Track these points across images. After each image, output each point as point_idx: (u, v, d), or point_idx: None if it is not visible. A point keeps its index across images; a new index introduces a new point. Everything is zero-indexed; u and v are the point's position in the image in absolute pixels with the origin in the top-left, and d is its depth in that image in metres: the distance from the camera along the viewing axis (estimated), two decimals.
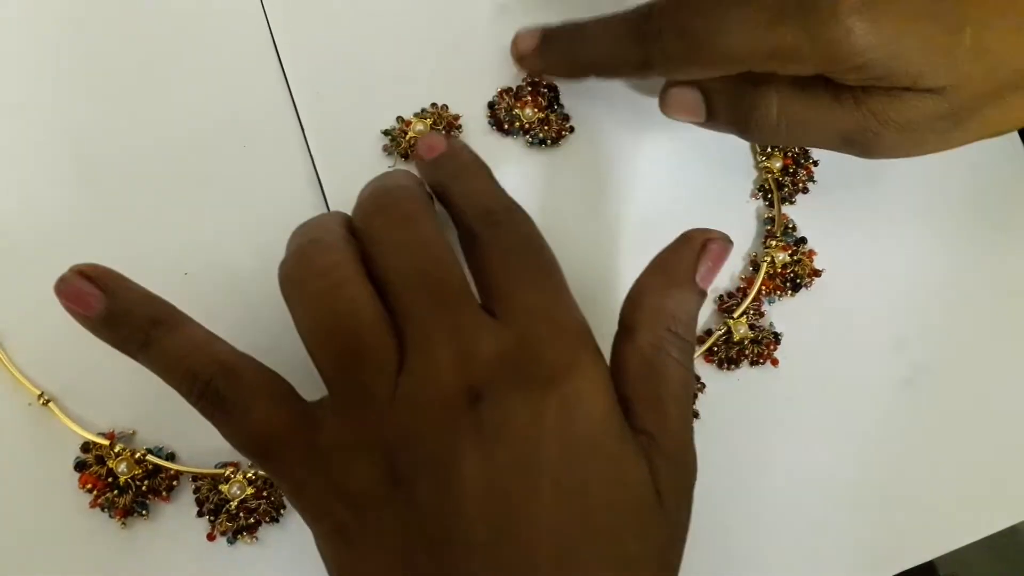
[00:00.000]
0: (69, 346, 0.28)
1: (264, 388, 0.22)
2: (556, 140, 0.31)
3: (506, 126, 0.31)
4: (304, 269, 0.23)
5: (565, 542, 0.21)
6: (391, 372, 0.22)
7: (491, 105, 0.31)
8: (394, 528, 0.21)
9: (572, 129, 0.31)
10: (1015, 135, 0.34)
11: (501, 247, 0.23)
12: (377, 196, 0.24)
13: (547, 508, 0.21)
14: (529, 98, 0.31)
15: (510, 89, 0.31)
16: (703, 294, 0.24)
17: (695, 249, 0.24)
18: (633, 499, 0.22)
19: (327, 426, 0.22)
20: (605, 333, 0.24)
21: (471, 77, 0.31)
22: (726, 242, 0.25)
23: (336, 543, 0.22)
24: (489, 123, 0.31)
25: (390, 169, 0.26)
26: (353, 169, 0.30)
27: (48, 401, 0.27)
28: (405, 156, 0.30)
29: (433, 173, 0.25)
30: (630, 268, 0.26)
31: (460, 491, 0.21)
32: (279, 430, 0.22)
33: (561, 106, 0.31)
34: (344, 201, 0.29)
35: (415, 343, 0.22)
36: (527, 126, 0.31)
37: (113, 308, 0.22)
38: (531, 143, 0.31)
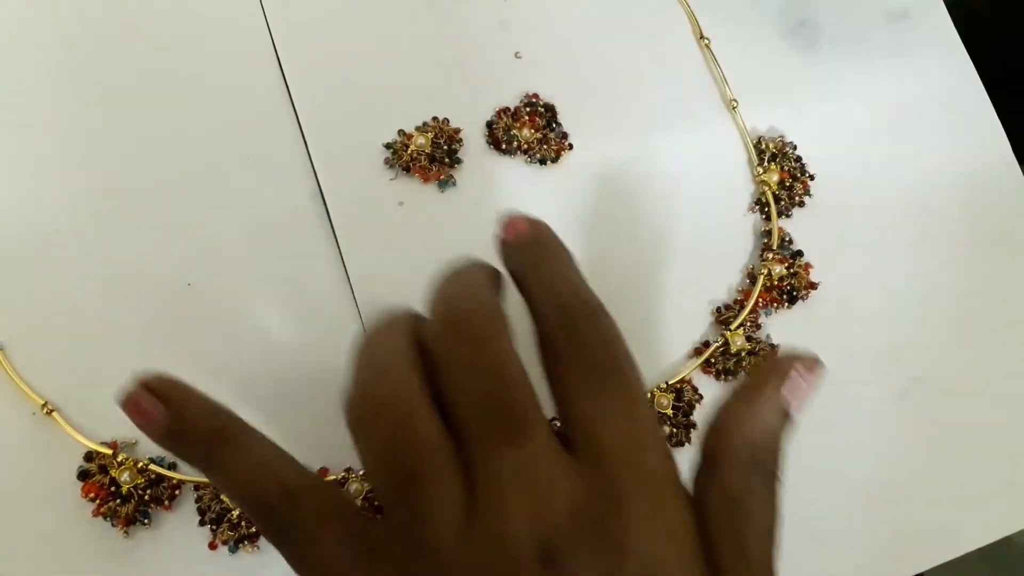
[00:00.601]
0: (72, 356, 0.28)
1: (328, 515, 0.21)
2: (556, 158, 0.31)
3: (504, 146, 0.31)
4: (368, 405, 0.21)
5: None
6: (457, 521, 0.20)
7: (489, 125, 0.31)
8: None
9: (571, 147, 0.31)
10: (1010, 153, 0.34)
11: (583, 364, 0.21)
12: (450, 309, 0.22)
13: None
14: (527, 118, 0.31)
15: (507, 109, 0.31)
16: (791, 420, 0.22)
17: (783, 373, 0.22)
18: None
19: (387, 553, 0.21)
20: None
21: (472, 91, 0.32)
22: (814, 364, 0.22)
23: None
24: (487, 143, 0.31)
25: (463, 264, 0.24)
26: (355, 181, 0.30)
27: (52, 411, 0.27)
28: (407, 169, 0.30)
29: (513, 257, 0.24)
30: (631, 284, 0.26)
31: None
32: (342, 567, 0.21)
33: (559, 124, 0.32)
34: (345, 212, 0.30)
35: (484, 487, 0.20)
36: (525, 146, 0.31)
37: (176, 425, 0.22)
38: (530, 162, 0.31)
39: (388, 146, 0.31)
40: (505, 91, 0.32)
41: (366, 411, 0.21)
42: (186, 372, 0.28)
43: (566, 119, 0.32)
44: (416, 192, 0.31)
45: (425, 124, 0.31)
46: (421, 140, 0.30)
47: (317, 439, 0.28)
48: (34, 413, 0.27)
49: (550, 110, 0.32)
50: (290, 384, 0.29)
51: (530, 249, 0.24)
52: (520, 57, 0.31)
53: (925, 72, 0.34)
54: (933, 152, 0.34)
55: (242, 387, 0.28)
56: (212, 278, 0.29)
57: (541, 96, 0.32)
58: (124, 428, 0.28)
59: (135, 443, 0.28)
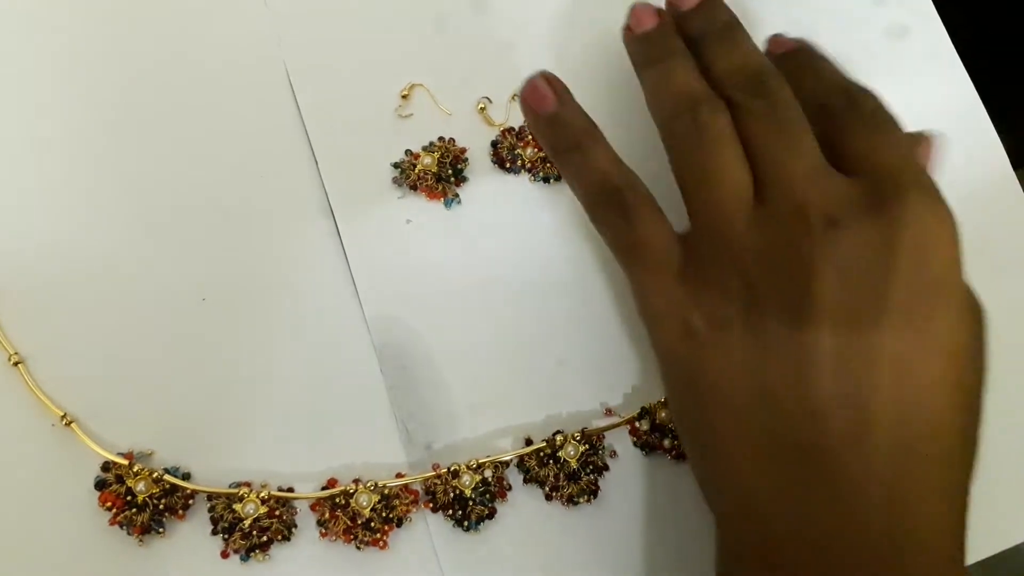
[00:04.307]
0: (90, 368, 0.29)
1: (655, 208, 0.26)
2: (559, 177, 0.32)
3: (508, 164, 0.32)
4: (674, 111, 0.26)
5: (907, 368, 0.22)
6: (749, 198, 0.24)
7: (494, 144, 0.32)
8: (743, 336, 0.24)
9: None
10: (1009, 168, 0.35)
11: (858, 115, 0.25)
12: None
13: (891, 333, 0.22)
14: (531, 138, 0.32)
15: (512, 129, 0.32)
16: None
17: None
18: (974, 342, 0.24)
19: (693, 247, 0.25)
20: (623, 355, 0.26)
21: (477, 112, 0.33)
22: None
23: (684, 346, 0.25)
24: (492, 161, 0.32)
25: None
26: (363, 199, 0.31)
27: (71, 422, 0.28)
28: (414, 187, 0.31)
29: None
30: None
31: (811, 308, 0.23)
32: (661, 243, 0.25)
33: None
34: (354, 230, 0.31)
35: (769, 171, 0.24)
36: (529, 165, 0.32)
37: (560, 111, 0.27)
38: (534, 180, 0.32)
39: (396, 166, 0.31)
40: (511, 111, 0.32)
41: (673, 111, 0.26)
42: (199, 383, 0.29)
43: None
44: (423, 210, 0.31)
45: (432, 144, 0.32)
46: (428, 160, 0.31)
47: (326, 448, 0.29)
48: (53, 424, 0.28)
49: None
50: (300, 395, 0.30)
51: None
52: (517, 97, 0.32)
53: (924, 89, 0.35)
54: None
55: (254, 397, 0.29)
56: (226, 293, 0.30)
57: None
58: (140, 438, 0.29)
59: (151, 453, 0.28)
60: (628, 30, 0.29)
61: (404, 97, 0.32)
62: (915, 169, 0.24)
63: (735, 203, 0.24)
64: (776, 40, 0.29)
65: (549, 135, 0.27)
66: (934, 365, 0.23)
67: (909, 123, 0.34)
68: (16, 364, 0.28)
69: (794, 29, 0.34)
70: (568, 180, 0.28)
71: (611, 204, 0.26)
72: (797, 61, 0.28)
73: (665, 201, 0.27)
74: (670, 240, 0.25)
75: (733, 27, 0.28)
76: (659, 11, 0.29)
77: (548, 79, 0.27)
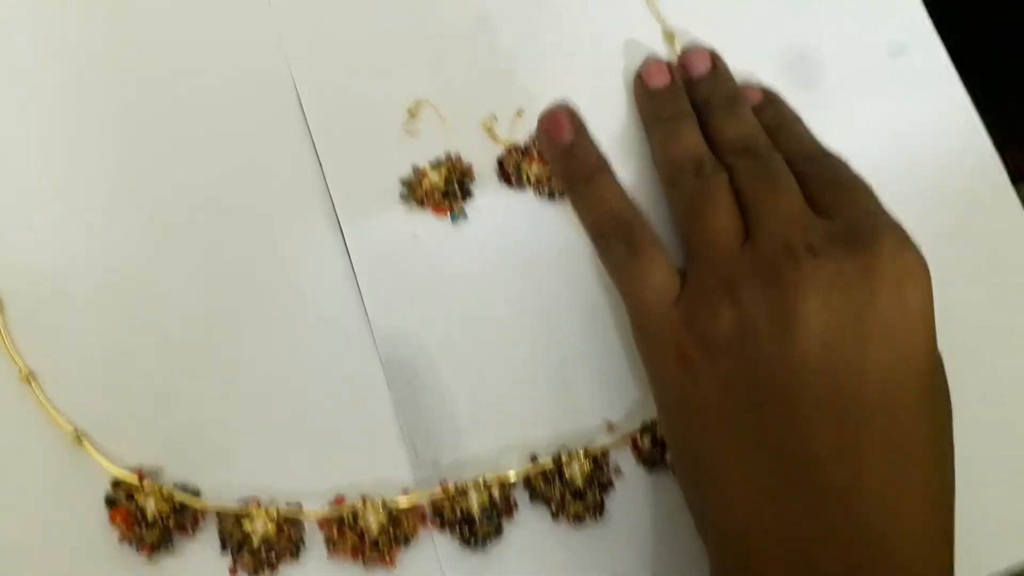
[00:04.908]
0: (101, 384, 0.29)
1: (658, 241, 0.28)
2: (563, 193, 0.32)
3: (513, 180, 0.32)
4: (680, 167, 0.29)
5: (892, 386, 0.24)
6: (740, 238, 0.27)
7: (500, 161, 0.32)
8: (736, 359, 0.25)
9: None
10: (1009, 186, 0.35)
11: (832, 177, 0.28)
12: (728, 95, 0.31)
13: (875, 349, 0.24)
14: (536, 154, 0.32)
15: (518, 146, 0.32)
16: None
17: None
18: (939, 370, 0.26)
19: (687, 279, 0.27)
20: (626, 370, 0.28)
21: (483, 128, 0.33)
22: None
23: (677, 372, 0.26)
24: (498, 177, 0.32)
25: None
26: (371, 214, 0.31)
27: (81, 438, 0.28)
28: (421, 203, 0.32)
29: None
30: None
31: (799, 326, 0.24)
32: (662, 274, 0.27)
33: None
34: (363, 243, 0.31)
35: (759, 216, 0.27)
36: (534, 181, 0.32)
37: (576, 143, 0.30)
38: (539, 196, 0.32)
39: (404, 182, 0.32)
40: (516, 128, 0.33)
41: (679, 171, 0.29)
42: (207, 397, 0.29)
43: None
44: (430, 225, 0.32)
45: (439, 160, 0.32)
46: (435, 176, 0.32)
47: (333, 463, 0.29)
48: (64, 439, 0.28)
49: None
50: (307, 410, 0.30)
51: (771, 106, 0.32)
52: (523, 113, 0.33)
53: (922, 107, 0.35)
54: (932, 185, 0.34)
55: (261, 412, 0.30)
56: (234, 308, 0.30)
57: None
58: (149, 452, 0.29)
59: (160, 469, 0.29)
60: (640, 82, 0.32)
61: (411, 113, 0.32)
62: (883, 214, 0.27)
63: (728, 240, 0.27)
64: (745, 91, 0.32)
65: (563, 164, 0.30)
66: (916, 377, 0.25)
67: (907, 140, 0.35)
68: (27, 379, 0.29)
69: (793, 48, 0.35)
70: (577, 209, 0.29)
71: (617, 235, 0.28)
72: (773, 120, 0.31)
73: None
74: (670, 273, 0.27)
75: (735, 100, 0.31)
76: (671, 69, 0.32)
77: (568, 111, 0.30)
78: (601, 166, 0.29)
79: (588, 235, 0.29)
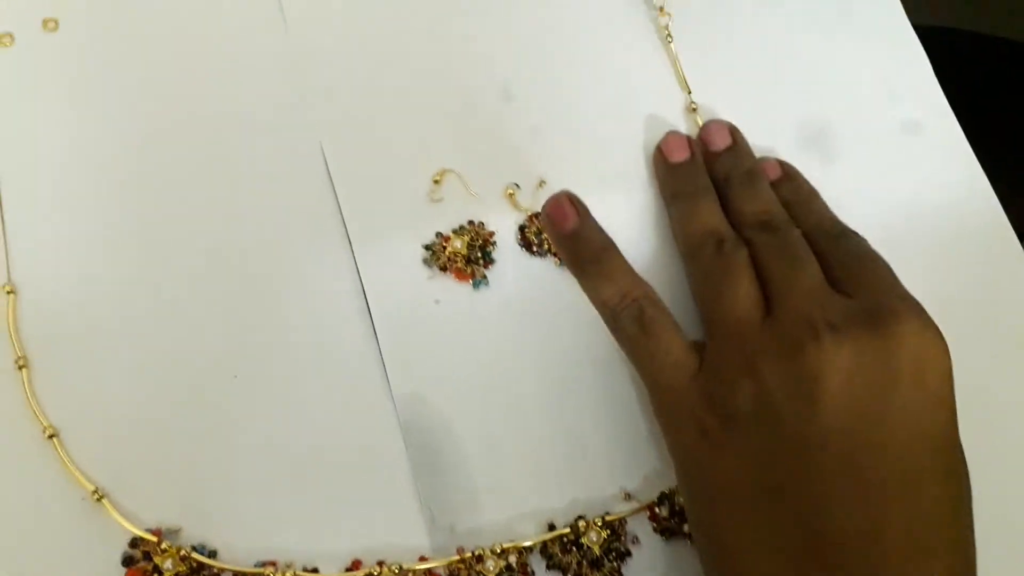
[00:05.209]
0: (122, 442, 0.30)
1: (670, 318, 0.28)
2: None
3: (535, 248, 0.33)
4: (700, 242, 0.30)
5: (912, 468, 0.24)
6: (761, 313, 0.27)
7: (521, 228, 0.33)
8: (756, 434, 0.25)
9: None
10: (1014, 236, 0.35)
11: (851, 254, 0.29)
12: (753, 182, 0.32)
13: (896, 434, 0.24)
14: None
15: (538, 213, 0.33)
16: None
17: None
18: (959, 451, 0.26)
19: (707, 354, 0.27)
20: (643, 440, 0.28)
21: (505, 196, 0.33)
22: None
23: (698, 447, 0.26)
24: (519, 245, 0.33)
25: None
26: (394, 279, 0.32)
27: (101, 497, 0.28)
28: (443, 269, 0.32)
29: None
30: None
31: (821, 404, 0.24)
32: (676, 351, 0.27)
33: None
34: (385, 308, 0.31)
35: (780, 292, 0.27)
36: (554, 249, 0.33)
37: (580, 227, 0.30)
38: (559, 264, 0.33)
39: (427, 247, 0.32)
40: (537, 197, 0.33)
41: (698, 244, 0.30)
42: (227, 458, 0.30)
43: None
44: (452, 290, 0.32)
45: (461, 227, 0.33)
46: (458, 243, 0.32)
47: (351, 526, 0.29)
48: (84, 499, 0.28)
49: None
50: (327, 474, 0.30)
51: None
52: (544, 183, 0.34)
53: (939, 181, 0.36)
54: (948, 259, 0.35)
55: (283, 472, 0.30)
56: (256, 370, 0.31)
57: None
58: (168, 512, 0.29)
59: (179, 530, 0.29)
60: (660, 156, 0.33)
61: (436, 182, 0.33)
62: (903, 293, 0.28)
63: (748, 315, 0.27)
64: (765, 166, 0.33)
65: (569, 249, 0.30)
66: (936, 458, 0.25)
67: (923, 215, 0.35)
68: (51, 437, 0.29)
69: (811, 123, 0.36)
70: (586, 291, 0.30)
71: (629, 316, 0.28)
72: (792, 195, 0.32)
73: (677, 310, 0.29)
74: (685, 349, 0.28)
75: (755, 175, 0.32)
76: (691, 143, 0.33)
77: (570, 198, 0.30)
78: (607, 247, 0.30)
79: (601, 315, 0.29)
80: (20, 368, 0.30)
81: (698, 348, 0.28)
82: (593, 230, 0.30)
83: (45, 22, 0.34)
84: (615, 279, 0.29)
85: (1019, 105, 0.48)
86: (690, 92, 0.35)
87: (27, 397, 0.29)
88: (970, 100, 0.37)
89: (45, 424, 0.29)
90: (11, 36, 0.34)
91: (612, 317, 0.29)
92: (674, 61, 0.36)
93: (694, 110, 0.35)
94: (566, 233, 0.30)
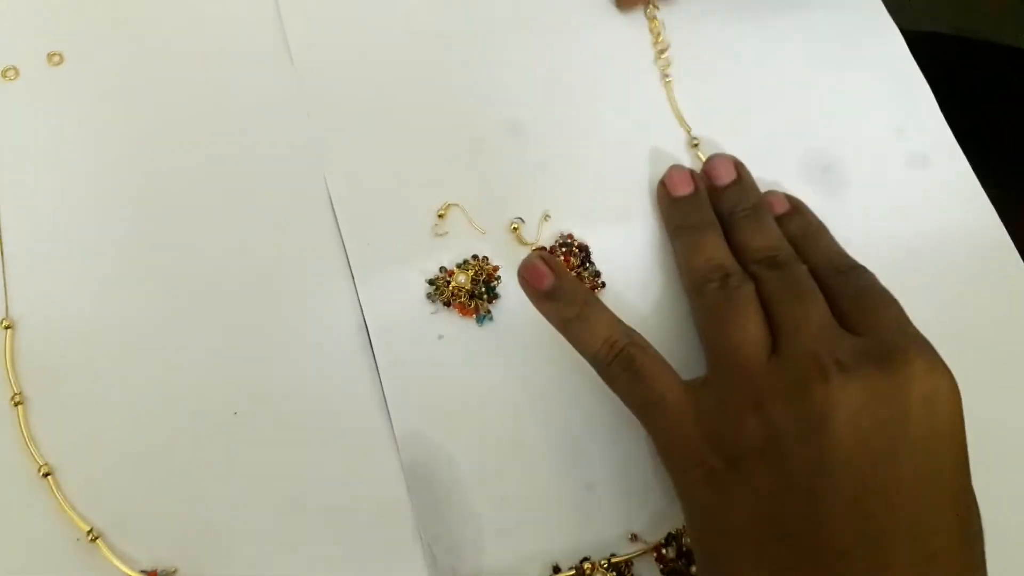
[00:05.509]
0: (118, 482, 0.29)
1: (661, 362, 0.28)
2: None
3: None
4: (704, 277, 0.29)
5: (922, 509, 0.24)
6: (768, 350, 0.27)
7: None
8: (763, 475, 0.25)
9: (604, 284, 0.33)
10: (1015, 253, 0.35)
11: (859, 290, 0.29)
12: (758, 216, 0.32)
13: (907, 477, 0.24)
14: (562, 257, 0.33)
15: (544, 248, 0.33)
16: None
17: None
18: (970, 491, 0.25)
19: (709, 392, 0.27)
20: (649, 479, 0.28)
21: (510, 231, 0.33)
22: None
23: (705, 488, 0.26)
24: None
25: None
26: (397, 314, 0.32)
27: (96, 538, 0.28)
28: (447, 304, 0.32)
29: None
30: None
31: (830, 444, 0.24)
32: (673, 395, 0.27)
33: (592, 263, 0.33)
34: (388, 343, 0.31)
35: (787, 329, 0.27)
36: None
37: (558, 284, 0.29)
38: None
39: (431, 282, 0.32)
40: (542, 231, 0.33)
41: (705, 278, 0.29)
42: (224, 498, 0.29)
43: (599, 258, 0.33)
44: (455, 326, 0.32)
45: (466, 261, 0.32)
46: (462, 278, 0.32)
47: (351, 569, 0.29)
48: (78, 539, 0.28)
49: (584, 250, 0.33)
50: (326, 516, 0.29)
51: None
52: (549, 217, 0.33)
53: (946, 215, 0.35)
54: (956, 292, 0.34)
55: (283, 512, 0.29)
56: (256, 408, 0.30)
57: (575, 236, 0.33)
58: (164, 552, 0.28)
59: (174, 572, 0.28)
60: (664, 190, 0.32)
61: (440, 216, 0.33)
62: (913, 332, 0.27)
63: (756, 352, 0.27)
64: (772, 200, 0.33)
65: (550, 308, 0.29)
66: (948, 498, 0.24)
67: (931, 250, 0.35)
68: (45, 475, 0.28)
69: (817, 158, 0.36)
70: (575, 347, 0.29)
71: (620, 365, 0.28)
72: (799, 230, 0.32)
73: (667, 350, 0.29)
74: (682, 391, 0.27)
75: (760, 210, 0.32)
76: (694, 177, 0.33)
77: (542, 257, 0.30)
78: (587, 299, 0.29)
79: (592, 367, 0.29)
80: (16, 404, 0.29)
81: (694, 387, 0.27)
82: (571, 284, 0.29)
83: (50, 56, 0.34)
84: (599, 330, 0.28)
85: (1009, 108, 0.48)
86: (689, 129, 0.35)
87: (22, 434, 0.29)
88: (959, 104, 0.37)
89: (40, 462, 0.29)
90: (16, 69, 0.34)
91: (603, 368, 0.28)
92: (671, 99, 0.36)
93: (695, 145, 0.35)
94: (544, 292, 0.29)
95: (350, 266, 0.32)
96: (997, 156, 0.39)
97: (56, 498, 0.28)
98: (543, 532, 0.30)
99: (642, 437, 0.31)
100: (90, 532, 0.28)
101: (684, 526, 0.30)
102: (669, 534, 0.30)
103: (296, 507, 0.29)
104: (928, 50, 0.37)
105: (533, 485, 0.30)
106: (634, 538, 0.30)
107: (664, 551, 0.29)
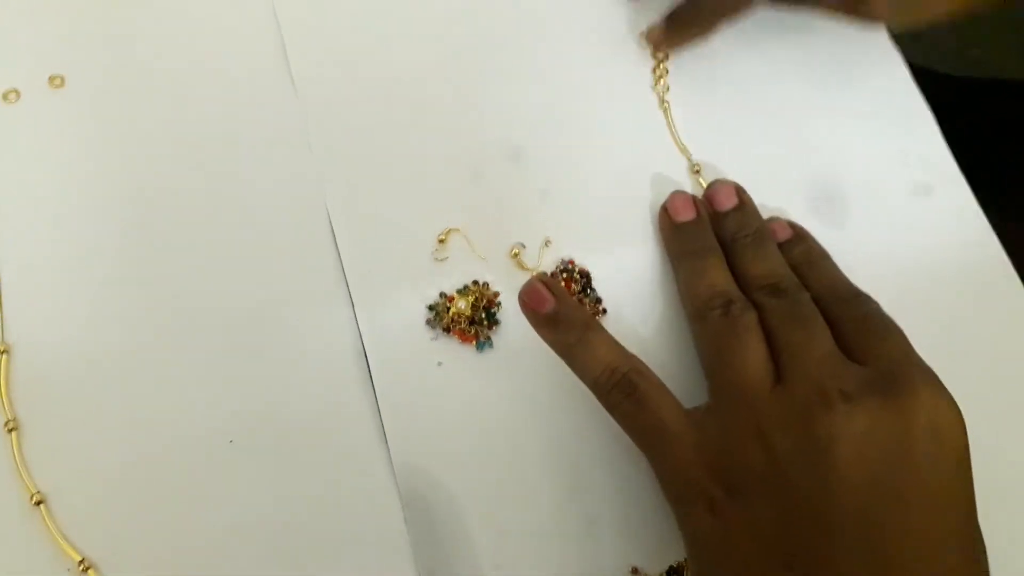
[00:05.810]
0: (111, 512, 0.29)
1: (662, 388, 0.28)
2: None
3: None
4: (706, 303, 0.29)
5: (928, 540, 0.24)
6: (771, 379, 0.26)
7: None
8: (766, 505, 0.24)
9: (605, 311, 0.32)
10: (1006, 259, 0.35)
11: (862, 319, 0.28)
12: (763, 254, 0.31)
13: (915, 509, 0.24)
14: (563, 283, 0.32)
15: (544, 273, 0.33)
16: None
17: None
18: (975, 521, 0.25)
19: (711, 420, 0.26)
20: (651, 512, 0.28)
21: (510, 257, 0.33)
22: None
23: (707, 518, 0.25)
24: None
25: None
26: (397, 340, 0.31)
27: (88, 568, 0.27)
28: (447, 330, 0.31)
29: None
30: None
31: (835, 474, 0.24)
32: (673, 421, 0.26)
33: (593, 290, 0.33)
34: (387, 369, 0.31)
35: (790, 358, 0.27)
36: None
37: (559, 309, 0.28)
38: None
39: (430, 308, 0.32)
40: (543, 257, 0.33)
41: (705, 306, 0.29)
42: (216, 528, 0.28)
43: (600, 284, 0.33)
44: (455, 352, 0.32)
45: (466, 287, 0.32)
46: (462, 304, 0.32)
47: None
48: (69, 570, 0.27)
49: (585, 276, 0.33)
50: (321, 547, 0.29)
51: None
52: (550, 243, 0.33)
53: (949, 243, 0.35)
54: (959, 323, 0.34)
55: (278, 543, 0.29)
56: (251, 436, 0.30)
57: (576, 262, 0.33)
58: None
59: None
60: (666, 215, 0.32)
61: (441, 241, 0.33)
62: (918, 361, 0.27)
63: (758, 380, 0.26)
64: (774, 226, 0.33)
65: (550, 332, 0.29)
66: (953, 527, 0.24)
67: (934, 278, 0.35)
68: (38, 504, 0.28)
69: (819, 186, 0.35)
70: (575, 372, 0.29)
71: (620, 392, 0.27)
72: (802, 257, 0.32)
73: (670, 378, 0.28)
74: (683, 419, 0.27)
75: (762, 235, 0.31)
76: (696, 203, 0.32)
77: (543, 281, 0.29)
78: (588, 324, 0.29)
79: (593, 393, 0.28)
80: (10, 431, 0.29)
81: (696, 415, 0.27)
82: (572, 309, 0.29)
83: (52, 79, 0.34)
84: (600, 356, 0.28)
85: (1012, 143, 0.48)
86: (690, 155, 0.35)
87: (15, 461, 0.29)
88: (963, 139, 0.37)
89: (33, 490, 0.28)
90: (17, 92, 0.34)
91: (603, 394, 0.28)
92: (671, 125, 0.36)
93: (697, 171, 0.35)
94: (545, 316, 0.29)
95: (349, 291, 0.32)
96: (1000, 188, 0.39)
97: (48, 527, 0.28)
98: (543, 566, 0.29)
99: (643, 468, 0.30)
100: (81, 563, 0.27)
101: (685, 559, 0.29)
102: (671, 567, 0.29)
103: (292, 538, 0.29)
104: (933, 89, 0.37)
105: (533, 517, 0.30)
106: (635, 572, 0.29)
107: None
